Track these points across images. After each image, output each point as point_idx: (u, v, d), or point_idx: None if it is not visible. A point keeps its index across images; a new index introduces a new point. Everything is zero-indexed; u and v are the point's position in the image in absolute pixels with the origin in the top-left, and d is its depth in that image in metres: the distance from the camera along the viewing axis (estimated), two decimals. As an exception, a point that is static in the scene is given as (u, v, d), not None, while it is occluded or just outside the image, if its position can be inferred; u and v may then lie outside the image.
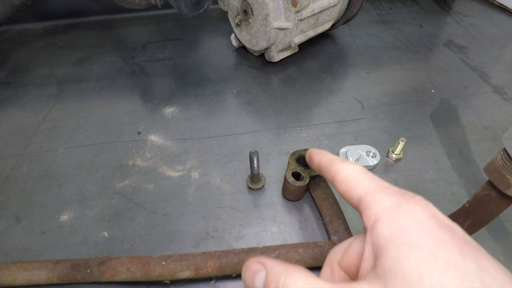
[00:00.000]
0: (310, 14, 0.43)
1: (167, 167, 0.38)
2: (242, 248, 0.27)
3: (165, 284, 0.28)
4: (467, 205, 0.24)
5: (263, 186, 0.35)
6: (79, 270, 0.28)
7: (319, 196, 0.31)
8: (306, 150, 0.34)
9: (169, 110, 0.46)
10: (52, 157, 0.41)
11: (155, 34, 0.63)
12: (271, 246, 0.27)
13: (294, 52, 0.52)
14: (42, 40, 0.64)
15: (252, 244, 0.31)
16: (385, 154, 0.38)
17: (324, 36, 0.59)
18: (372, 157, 0.37)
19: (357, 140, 0.40)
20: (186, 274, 0.26)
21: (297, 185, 0.31)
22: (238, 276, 0.27)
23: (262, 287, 0.18)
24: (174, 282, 0.28)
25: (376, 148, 0.38)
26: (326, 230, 0.30)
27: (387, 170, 0.37)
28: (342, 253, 0.20)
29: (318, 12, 0.45)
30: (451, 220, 0.16)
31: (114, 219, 0.34)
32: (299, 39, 0.46)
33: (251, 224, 0.32)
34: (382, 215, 0.16)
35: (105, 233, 0.33)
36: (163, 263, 0.26)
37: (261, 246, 0.29)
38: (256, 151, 0.31)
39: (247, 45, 0.51)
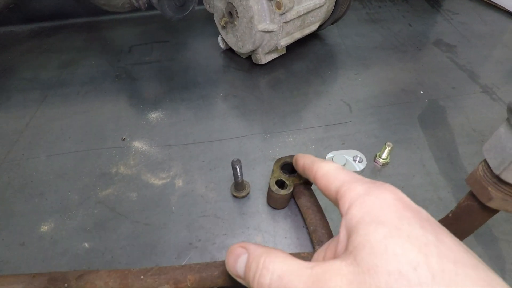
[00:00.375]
0: (295, 16, 0.42)
1: (151, 175, 0.38)
2: (223, 261, 0.26)
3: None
4: (450, 215, 0.24)
5: (248, 193, 0.34)
6: (56, 284, 0.27)
7: (304, 204, 0.31)
8: (291, 156, 0.33)
9: (154, 115, 0.45)
10: (34, 165, 0.40)
11: (141, 36, 0.62)
12: (252, 258, 0.26)
13: (281, 54, 0.52)
14: (28, 43, 0.62)
15: (235, 254, 0.30)
16: (372, 159, 0.38)
17: (312, 37, 0.58)
18: (359, 162, 0.36)
19: (344, 144, 0.39)
20: (165, 288, 0.25)
21: (281, 193, 0.30)
22: (218, 289, 0.26)
23: (244, 269, 0.19)
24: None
25: (363, 153, 0.38)
26: (311, 239, 0.30)
27: (374, 175, 0.36)
28: (325, 251, 0.21)
29: (303, 14, 0.44)
30: (417, 205, 0.18)
31: (95, 229, 0.33)
32: (285, 41, 0.45)
33: (235, 234, 0.32)
34: (355, 200, 0.18)
35: (86, 244, 0.32)
36: (142, 277, 0.25)
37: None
38: (238, 159, 0.30)
39: (234, 48, 0.50)
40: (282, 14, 0.41)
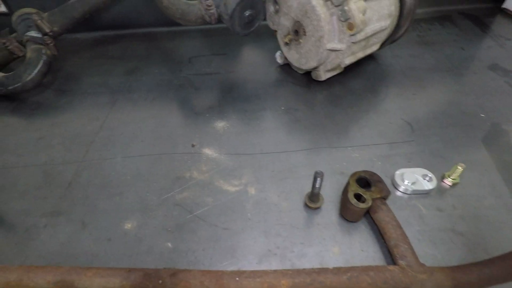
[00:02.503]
0: (363, 37, 0.44)
1: (224, 181, 0.39)
2: (312, 268, 0.28)
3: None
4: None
5: (321, 205, 0.36)
6: (151, 280, 0.29)
7: (382, 218, 0.32)
8: (365, 171, 0.35)
9: (220, 125, 0.47)
10: (111, 165, 0.42)
11: (200, 48, 0.65)
12: (341, 268, 0.27)
13: (340, 71, 0.53)
14: (92, 50, 0.67)
15: (315, 263, 0.31)
16: (439, 178, 0.38)
17: (366, 57, 0.59)
18: (428, 181, 0.37)
19: (410, 162, 0.40)
20: (260, 291, 0.26)
21: (360, 207, 0.32)
22: (309, 296, 0.27)
23: None
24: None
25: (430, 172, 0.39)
26: (390, 253, 0.30)
27: (443, 195, 0.37)
28: None
29: (370, 36, 0.46)
30: None
31: (177, 230, 0.35)
32: (349, 60, 0.47)
33: (312, 243, 0.33)
34: None
35: (169, 244, 0.34)
36: (237, 278, 0.27)
37: (327, 266, 0.30)
38: (321, 171, 0.32)
39: (295, 64, 0.53)
40: (353, 35, 0.43)
